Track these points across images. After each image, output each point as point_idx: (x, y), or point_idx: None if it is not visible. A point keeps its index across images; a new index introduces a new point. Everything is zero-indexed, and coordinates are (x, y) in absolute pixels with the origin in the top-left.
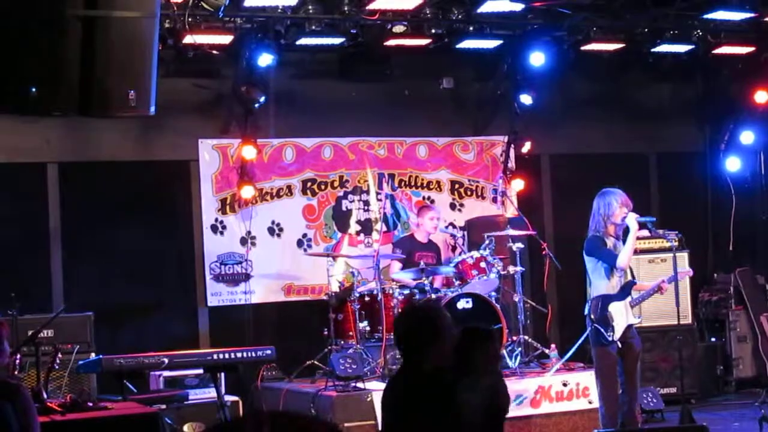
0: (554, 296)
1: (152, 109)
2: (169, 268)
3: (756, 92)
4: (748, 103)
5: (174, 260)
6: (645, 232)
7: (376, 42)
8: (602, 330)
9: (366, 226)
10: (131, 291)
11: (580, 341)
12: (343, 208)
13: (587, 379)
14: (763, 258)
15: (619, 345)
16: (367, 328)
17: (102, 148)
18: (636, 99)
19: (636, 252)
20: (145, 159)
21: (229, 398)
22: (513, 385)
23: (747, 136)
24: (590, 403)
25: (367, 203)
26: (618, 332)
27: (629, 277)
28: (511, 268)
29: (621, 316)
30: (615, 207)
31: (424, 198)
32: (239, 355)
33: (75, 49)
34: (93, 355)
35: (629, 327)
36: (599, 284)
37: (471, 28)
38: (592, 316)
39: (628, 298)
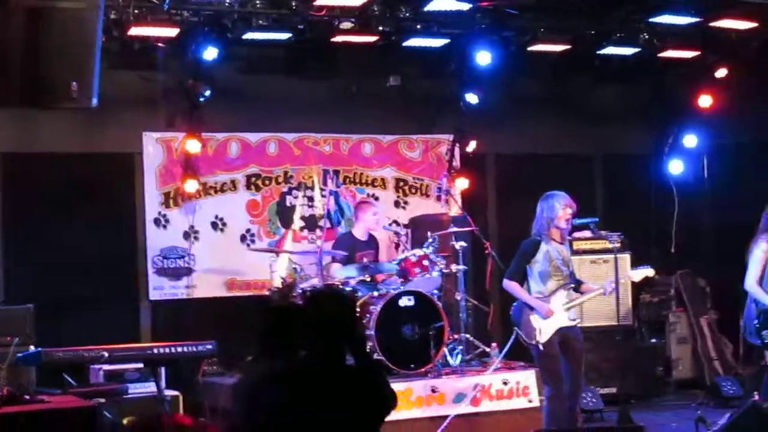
0: (496, 295)
1: (94, 101)
2: (111, 262)
3: (700, 96)
4: (693, 107)
5: (116, 253)
6: (587, 233)
7: (324, 38)
8: (523, 334)
9: (310, 222)
10: (73, 284)
11: (510, 342)
12: (287, 204)
13: (528, 377)
14: (704, 261)
15: (541, 348)
16: None
17: (45, 139)
18: (583, 100)
19: (578, 252)
20: (89, 151)
21: (169, 393)
22: (454, 383)
23: (690, 140)
24: (530, 402)
25: (311, 199)
26: (545, 335)
27: (568, 280)
28: (454, 267)
29: (550, 319)
30: (558, 209)
31: (368, 195)
32: (180, 349)
33: (18, 39)
34: (32, 347)
35: (567, 329)
36: (532, 287)
37: (418, 26)
38: (514, 320)
39: (563, 300)
